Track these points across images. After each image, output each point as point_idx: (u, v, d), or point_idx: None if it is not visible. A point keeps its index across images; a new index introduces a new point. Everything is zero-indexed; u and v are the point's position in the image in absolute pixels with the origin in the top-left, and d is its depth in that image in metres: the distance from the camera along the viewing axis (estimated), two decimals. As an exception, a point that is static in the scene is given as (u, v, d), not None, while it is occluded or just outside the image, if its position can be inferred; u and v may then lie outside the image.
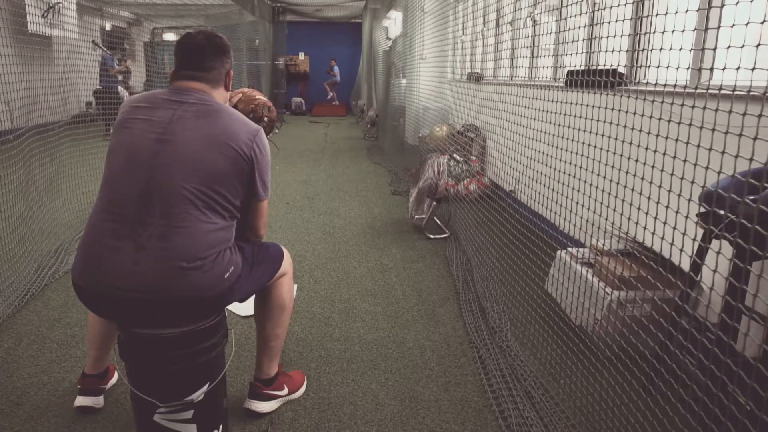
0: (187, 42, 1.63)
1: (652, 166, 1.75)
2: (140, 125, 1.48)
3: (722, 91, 1.42)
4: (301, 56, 16.02)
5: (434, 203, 4.02)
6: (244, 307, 2.60)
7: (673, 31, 1.70)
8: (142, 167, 1.42)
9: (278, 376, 1.93)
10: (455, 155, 4.93)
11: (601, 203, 2.09)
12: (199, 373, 1.50)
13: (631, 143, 1.89)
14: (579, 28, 3.16)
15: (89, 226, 1.45)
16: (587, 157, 2.24)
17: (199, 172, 1.43)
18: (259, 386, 1.89)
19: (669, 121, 1.68)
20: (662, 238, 1.61)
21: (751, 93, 1.32)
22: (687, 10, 1.68)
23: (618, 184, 1.98)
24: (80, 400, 1.88)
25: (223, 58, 1.64)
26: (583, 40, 3.21)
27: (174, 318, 1.44)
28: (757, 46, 1.33)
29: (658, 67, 1.84)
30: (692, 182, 1.49)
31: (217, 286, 1.45)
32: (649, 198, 1.77)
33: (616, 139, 2.03)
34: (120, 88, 7.62)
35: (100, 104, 6.30)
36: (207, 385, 1.51)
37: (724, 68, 1.43)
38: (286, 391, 1.96)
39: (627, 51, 2.82)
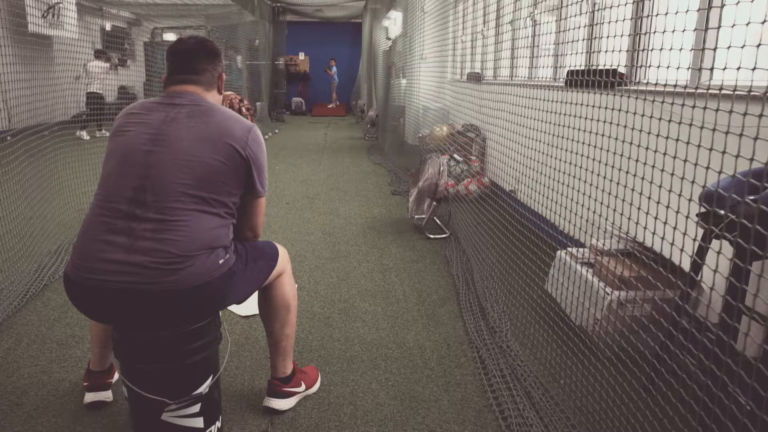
0: (178, 47, 1.65)
1: (652, 166, 1.75)
2: (134, 128, 1.52)
3: (722, 91, 1.42)
4: (301, 56, 16.01)
5: (434, 203, 4.02)
6: (245, 307, 2.59)
7: (673, 31, 1.70)
8: (137, 165, 1.45)
9: (294, 373, 1.94)
10: (455, 155, 4.93)
11: (602, 203, 2.09)
12: (206, 365, 1.54)
13: (631, 143, 1.89)
14: (579, 28, 3.17)
15: (84, 224, 1.48)
16: (587, 157, 2.24)
17: (193, 170, 1.45)
18: (277, 384, 1.90)
19: (669, 121, 1.68)
20: (662, 238, 1.61)
21: (752, 93, 1.32)
22: (687, 10, 1.68)
23: (618, 184, 1.98)
24: (90, 396, 1.88)
25: (215, 61, 1.66)
26: (583, 40, 3.21)
27: (165, 314, 1.43)
28: (758, 46, 1.33)
29: (658, 67, 1.83)
30: (692, 182, 1.49)
31: (210, 282, 1.44)
32: (649, 198, 1.77)
33: (616, 139, 2.03)
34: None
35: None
36: (211, 378, 1.55)
37: (725, 68, 1.43)
38: (303, 387, 1.98)
39: (627, 51, 2.83)
